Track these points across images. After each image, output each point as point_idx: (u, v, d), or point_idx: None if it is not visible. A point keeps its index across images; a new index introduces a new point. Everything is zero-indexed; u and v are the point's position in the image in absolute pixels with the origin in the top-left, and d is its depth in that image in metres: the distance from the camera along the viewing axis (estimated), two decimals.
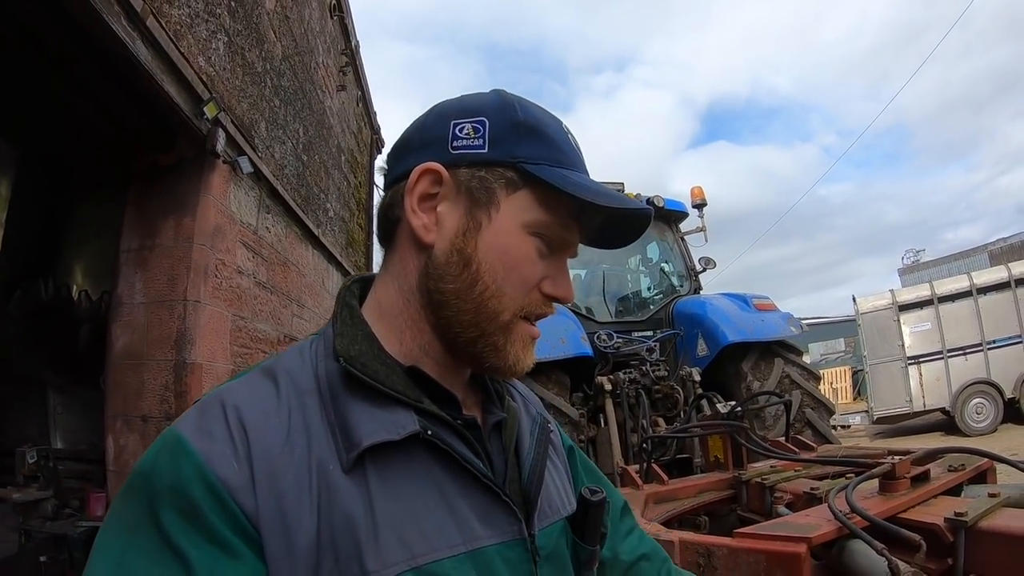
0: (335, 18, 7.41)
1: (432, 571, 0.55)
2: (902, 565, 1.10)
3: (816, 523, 1.45)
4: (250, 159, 4.40)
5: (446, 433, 0.60)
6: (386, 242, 0.69)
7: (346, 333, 0.62)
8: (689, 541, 1.67)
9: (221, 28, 3.72)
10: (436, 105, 0.68)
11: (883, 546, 1.16)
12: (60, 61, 2.96)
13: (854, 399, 18.11)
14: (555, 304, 0.70)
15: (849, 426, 13.32)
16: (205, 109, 3.53)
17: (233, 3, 3.88)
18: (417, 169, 0.63)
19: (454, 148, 0.63)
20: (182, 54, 3.06)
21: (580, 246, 0.71)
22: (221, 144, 3.82)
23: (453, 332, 0.64)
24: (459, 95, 0.69)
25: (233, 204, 4.34)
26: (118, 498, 0.55)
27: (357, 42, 8.39)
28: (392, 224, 0.67)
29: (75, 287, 6.13)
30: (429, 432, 0.58)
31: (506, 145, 0.62)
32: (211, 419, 0.55)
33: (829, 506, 1.43)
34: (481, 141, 0.62)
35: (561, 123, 0.67)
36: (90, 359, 4.55)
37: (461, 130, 0.63)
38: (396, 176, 0.67)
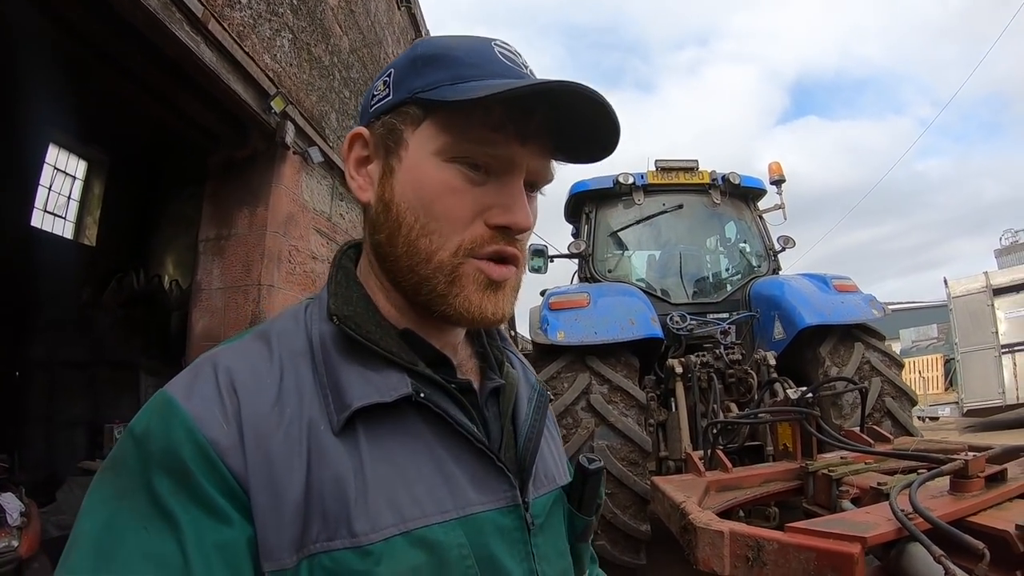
0: (402, 8, 7.50)
1: (422, 536, 0.54)
2: (960, 575, 1.00)
3: (875, 522, 1.35)
4: (320, 149, 4.57)
5: (440, 397, 0.59)
6: None
7: (340, 294, 0.62)
8: (739, 533, 1.61)
9: (285, 26, 3.85)
10: None
11: (942, 553, 1.05)
12: (130, 70, 3.16)
13: (945, 389, 16.58)
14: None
15: (938, 418, 12.39)
16: (272, 104, 3.69)
17: (296, 1, 4.00)
18: (346, 138, 0.66)
19: (371, 109, 0.64)
20: (247, 53, 3.20)
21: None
22: (291, 136, 3.98)
23: (399, 283, 0.63)
24: None
25: (306, 193, 4.52)
26: (108, 459, 0.54)
27: (427, 31, 8.48)
28: None
29: (167, 277, 6.62)
30: (422, 395, 0.57)
31: (405, 83, 0.61)
32: (202, 380, 0.55)
33: (890, 504, 1.34)
34: (388, 91, 0.62)
35: (490, 41, 0.63)
36: (180, 343, 4.91)
37: (376, 89, 0.64)
38: None
